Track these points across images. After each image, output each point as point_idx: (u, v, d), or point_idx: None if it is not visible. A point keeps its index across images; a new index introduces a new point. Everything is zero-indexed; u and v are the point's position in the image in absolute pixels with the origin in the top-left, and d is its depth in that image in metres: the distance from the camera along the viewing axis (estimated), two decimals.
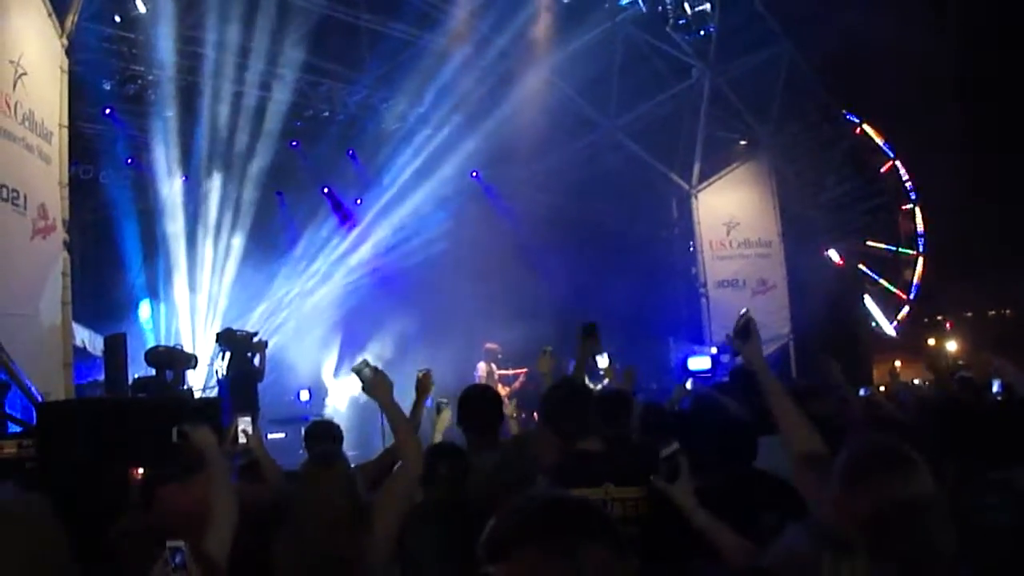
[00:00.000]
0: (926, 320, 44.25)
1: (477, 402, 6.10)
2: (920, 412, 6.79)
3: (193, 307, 20.22)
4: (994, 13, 32.94)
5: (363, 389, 4.87)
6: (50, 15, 11.63)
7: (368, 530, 4.34)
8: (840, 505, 3.09)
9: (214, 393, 15.77)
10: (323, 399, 20.22)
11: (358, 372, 4.82)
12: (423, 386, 6.46)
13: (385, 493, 4.64)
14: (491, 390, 6.47)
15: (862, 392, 8.47)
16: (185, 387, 14.61)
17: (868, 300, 34.98)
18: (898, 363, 25.99)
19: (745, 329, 4.36)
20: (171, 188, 19.85)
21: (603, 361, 10.19)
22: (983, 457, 3.96)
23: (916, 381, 20.96)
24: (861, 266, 34.78)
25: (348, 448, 6.95)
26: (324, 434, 6.81)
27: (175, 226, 20.01)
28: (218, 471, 4.43)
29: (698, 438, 5.32)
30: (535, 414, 9.15)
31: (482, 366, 19.34)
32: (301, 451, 7.03)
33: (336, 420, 8.11)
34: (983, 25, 33.38)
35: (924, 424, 5.73)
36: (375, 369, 4.82)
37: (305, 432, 7.11)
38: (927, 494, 2.96)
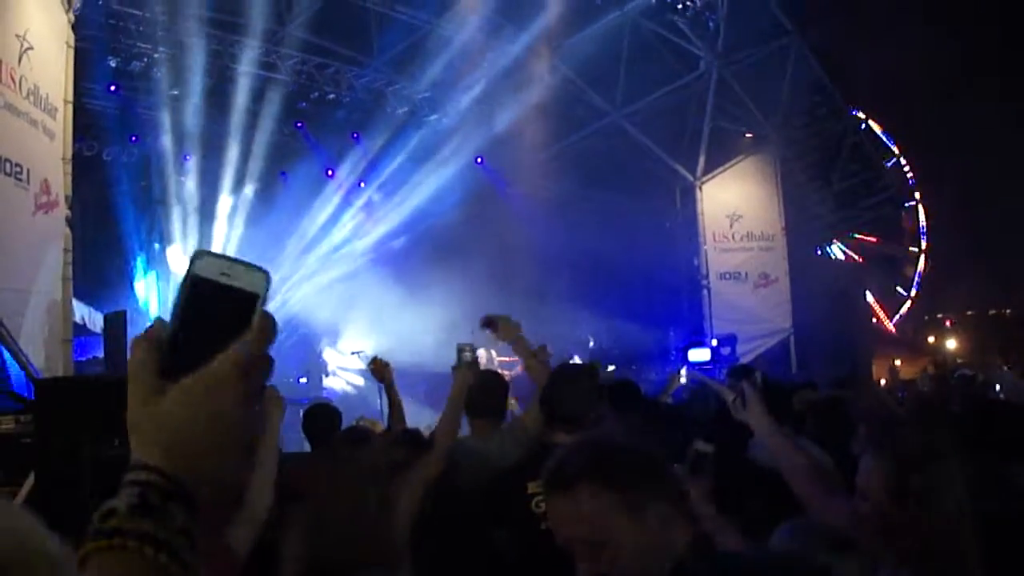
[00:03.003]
0: (927, 317, 44.24)
1: (487, 388, 5.95)
2: (921, 409, 6.77)
3: None
4: (999, 12, 32.88)
5: (452, 367, 4.94)
6: None
7: (392, 510, 4.33)
8: (867, 509, 3.03)
9: None
10: (322, 381, 20.23)
11: (460, 351, 4.92)
12: (378, 373, 6.43)
13: (412, 477, 4.63)
14: (500, 376, 6.34)
15: None
16: None
17: (869, 296, 35.02)
18: (898, 362, 26.02)
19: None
20: (175, 166, 19.82)
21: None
22: (991, 454, 3.95)
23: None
24: (863, 262, 34.77)
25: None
26: (320, 419, 6.73)
27: (178, 204, 19.99)
28: (271, 457, 4.23)
29: (692, 427, 5.31)
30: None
31: (482, 352, 19.32)
32: (299, 433, 6.97)
33: (336, 402, 8.05)
34: (989, 23, 33.31)
35: (927, 421, 5.71)
36: (474, 353, 4.89)
37: (304, 415, 7.04)
38: (962, 501, 2.92)
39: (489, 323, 5.98)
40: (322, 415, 6.79)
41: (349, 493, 4.23)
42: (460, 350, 4.95)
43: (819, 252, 29.80)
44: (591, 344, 14.19)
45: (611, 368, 10.34)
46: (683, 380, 12.06)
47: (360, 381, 20.11)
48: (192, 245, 20.15)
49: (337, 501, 4.24)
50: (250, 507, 3.94)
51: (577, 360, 19.22)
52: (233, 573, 3.70)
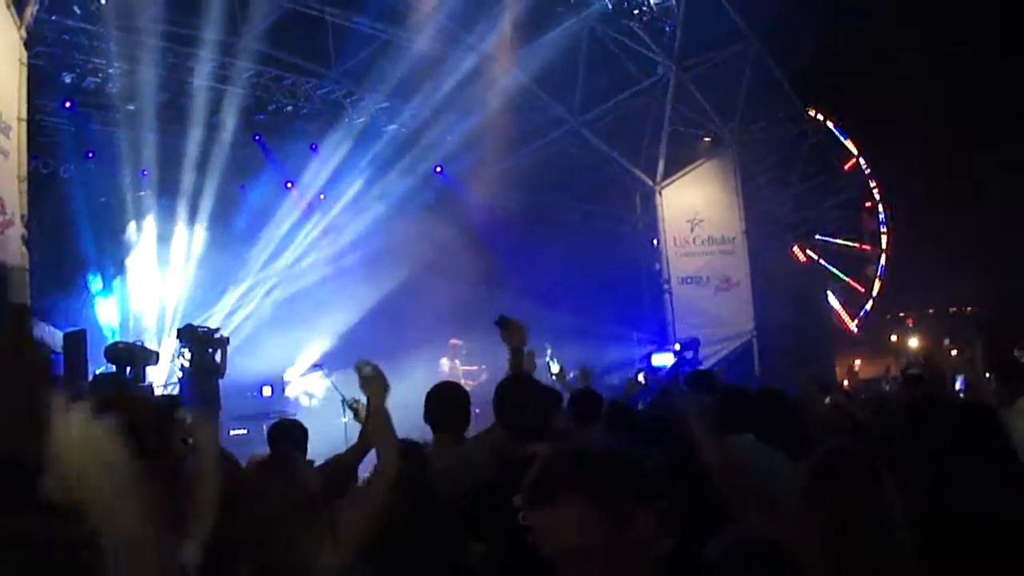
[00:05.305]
0: (888, 316, 44.59)
1: (448, 399, 5.76)
2: (884, 414, 6.79)
3: (154, 302, 20.05)
4: (958, 15, 33.19)
5: (360, 386, 4.75)
6: (9, 6, 11.48)
7: (324, 531, 4.24)
8: (800, 517, 3.06)
9: (175, 390, 15.65)
10: (285, 395, 20.11)
11: (358, 369, 4.72)
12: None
13: (356, 496, 4.55)
14: (461, 387, 6.17)
15: (827, 400, 8.46)
16: (145, 384, 14.47)
17: (831, 296, 35.23)
18: (858, 361, 26.15)
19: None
20: (133, 182, 19.64)
21: (555, 367, 10.09)
22: (953, 457, 3.97)
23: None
24: (824, 262, 34.98)
25: (312, 445, 6.76)
26: (286, 435, 6.61)
27: (136, 220, 19.81)
28: (212, 472, 4.28)
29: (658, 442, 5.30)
30: None
31: (444, 361, 19.35)
32: (263, 448, 6.87)
33: (298, 417, 7.96)
34: (947, 26, 33.59)
35: (890, 426, 5.73)
36: (375, 367, 4.72)
37: (268, 432, 6.96)
38: (888, 507, 2.94)
39: (503, 323, 5.91)
40: (284, 434, 6.67)
41: (266, 512, 4.16)
42: (359, 368, 4.81)
43: (780, 254, 29.92)
44: (549, 351, 14.14)
45: (572, 375, 10.29)
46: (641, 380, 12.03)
47: (321, 393, 19.99)
48: (152, 261, 19.99)
49: (257, 520, 4.17)
50: (197, 523, 3.95)
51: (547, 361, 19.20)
52: None
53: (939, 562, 3.11)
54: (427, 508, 4.89)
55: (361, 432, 5.95)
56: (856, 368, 16.53)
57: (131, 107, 18.60)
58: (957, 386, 10.26)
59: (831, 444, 3.64)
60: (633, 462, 2.37)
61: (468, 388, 6.28)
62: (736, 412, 5.55)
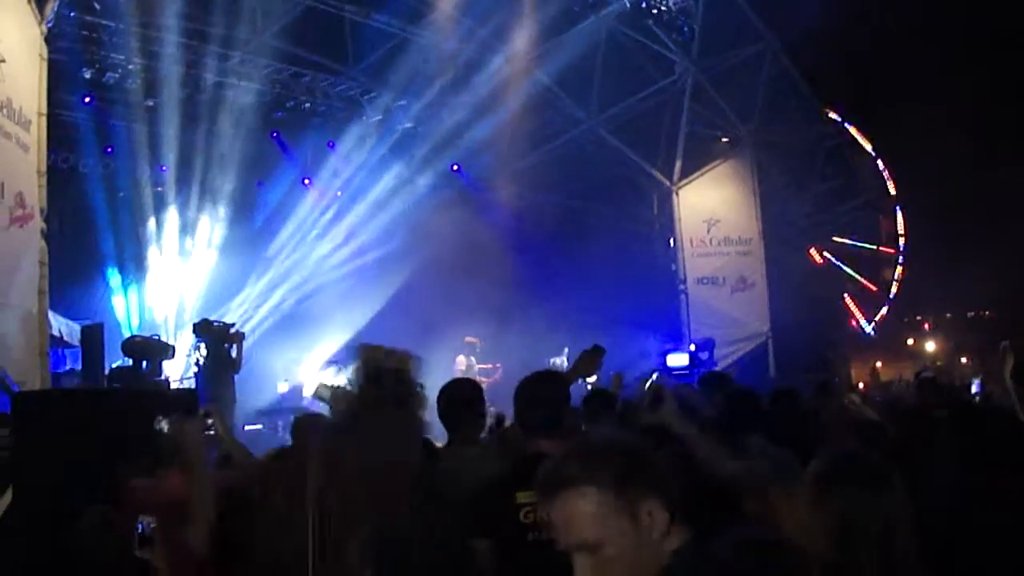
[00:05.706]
0: (905, 320, 44.39)
1: (459, 397, 5.82)
2: (896, 416, 6.79)
3: (171, 297, 20.12)
4: (979, 15, 33.05)
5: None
6: (30, 2, 11.53)
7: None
8: (806, 514, 3.07)
9: (191, 384, 15.70)
10: (301, 392, 20.13)
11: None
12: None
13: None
14: (473, 384, 6.15)
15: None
16: (162, 377, 14.56)
17: (847, 299, 35.12)
18: (879, 363, 26.08)
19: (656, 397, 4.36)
20: (151, 177, 19.72)
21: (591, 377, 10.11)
22: (972, 461, 3.98)
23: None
24: (841, 264, 34.87)
25: None
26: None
27: (154, 215, 19.89)
28: (199, 466, 4.36)
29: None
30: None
31: (461, 359, 19.33)
32: (279, 443, 6.89)
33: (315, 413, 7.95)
34: (967, 26, 33.46)
35: (903, 427, 5.74)
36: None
37: (291, 426, 6.98)
38: (895, 508, 2.95)
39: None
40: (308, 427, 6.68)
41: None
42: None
43: (796, 256, 29.85)
44: (566, 351, 14.20)
45: (592, 378, 10.31)
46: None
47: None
48: (170, 256, 20.06)
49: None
50: (196, 511, 4.03)
51: (563, 361, 19.22)
52: (195, 567, 3.80)
53: (949, 566, 3.12)
54: (433, 505, 4.90)
55: None
56: (878, 369, 16.53)
57: (150, 103, 18.70)
58: (974, 390, 10.26)
59: (840, 446, 3.66)
60: (646, 456, 2.39)
61: (483, 385, 6.27)
62: (746, 413, 5.58)
